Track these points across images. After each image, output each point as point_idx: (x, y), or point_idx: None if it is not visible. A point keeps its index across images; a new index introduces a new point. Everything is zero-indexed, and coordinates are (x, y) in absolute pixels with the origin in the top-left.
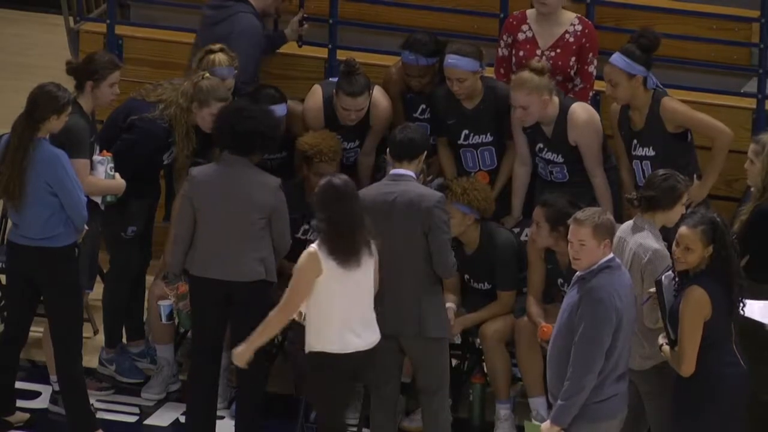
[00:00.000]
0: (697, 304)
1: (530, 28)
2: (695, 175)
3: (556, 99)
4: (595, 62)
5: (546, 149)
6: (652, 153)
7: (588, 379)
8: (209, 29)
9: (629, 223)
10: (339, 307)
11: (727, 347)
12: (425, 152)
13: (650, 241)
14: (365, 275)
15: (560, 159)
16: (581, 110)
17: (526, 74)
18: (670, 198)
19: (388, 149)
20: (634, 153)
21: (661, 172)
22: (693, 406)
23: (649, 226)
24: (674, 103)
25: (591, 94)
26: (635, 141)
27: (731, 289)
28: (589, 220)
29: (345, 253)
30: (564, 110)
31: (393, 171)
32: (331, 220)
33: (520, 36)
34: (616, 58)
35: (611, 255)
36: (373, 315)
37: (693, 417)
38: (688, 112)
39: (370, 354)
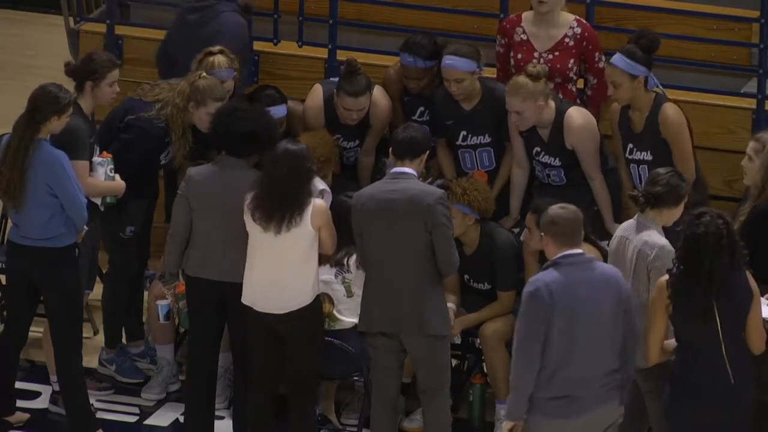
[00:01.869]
0: None
1: (524, 31)
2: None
3: (552, 103)
4: (604, 58)
5: (543, 153)
6: (649, 157)
7: (521, 372)
8: (194, 32)
9: (631, 222)
10: (257, 266)
11: None
12: (427, 152)
13: (656, 237)
14: (288, 243)
15: (557, 162)
16: (577, 115)
17: (521, 80)
18: (675, 195)
19: (390, 149)
20: (630, 157)
21: (664, 169)
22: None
23: (653, 224)
24: (673, 112)
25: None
26: (631, 145)
27: None
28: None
29: (265, 215)
30: (560, 114)
31: (394, 169)
32: (262, 181)
33: (516, 39)
34: (618, 60)
35: (573, 251)
36: (299, 285)
37: None
38: (679, 129)
39: (284, 318)
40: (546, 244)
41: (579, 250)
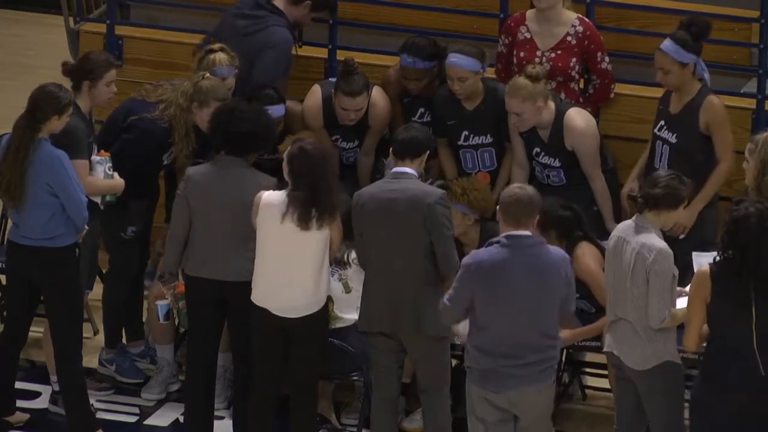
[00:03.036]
0: None
1: (528, 30)
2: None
3: (551, 104)
4: (607, 59)
5: (543, 154)
6: (674, 140)
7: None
8: (239, 39)
9: (629, 223)
10: (271, 267)
11: None
12: (428, 152)
13: (655, 240)
14: (305, 243)
15: (557, 163)
16: (577, 115)
17: (521, 81)
18: (674, 197)
19: (390, 149)
20: (659, 133)
21: (665, 172)
22: None
23: (652, 226)
24: (719, 102)
25: (612, 86)
26: (663, 122)
27: None
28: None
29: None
30: (560, 115)
31: (395, 169)
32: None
33: (519, 37)
34: (669, 46)
35: (519, 232)
36: (315, 287)
37: None
38: (724, 119)
39: (298, 321)
40: (498, 219)
41: (525, 232)
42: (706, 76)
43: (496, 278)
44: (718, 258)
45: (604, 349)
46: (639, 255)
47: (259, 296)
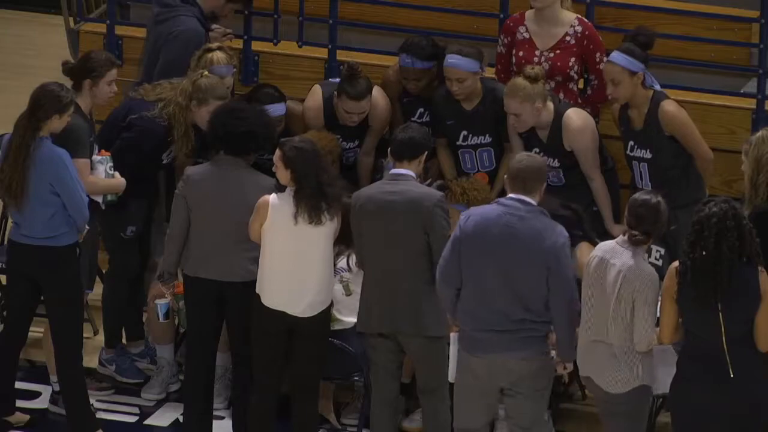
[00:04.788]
0: None
1: (527, 30)
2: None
3: (550, 105)
4: (606, 59)
5: (542, 154)
6: (649, 155)
7: (439, 286)
8: (154, 26)
9: (611, 244)
10: (278, 266)
11: None
12: (426, 152)
13: (641, 263)
14: (313, 240)
15: (556, 164)
16: (576, 116)
17: (519, 82)
18: (663, 228)
19: (389, 149)
20: (631, 154)
21: (652, 201)
22: None
23: (638, 248)
24: (673, 107)
25: None
26: (632, 142)
27: None
28: None
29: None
30: (559, 116)
31: (393, 171)
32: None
33: (518, 37)
34: (617, 57)
35: (520, 197)
36: (321, 286)
37: None
38: (684, 123)
39: (304, 321)
40: (506, 186)
41: (527, 198)
42: (657, 87)
43: (485, 238)
44: (684, 258)
45: (581, 374)
46: (626, 279)
47: (272, 298)
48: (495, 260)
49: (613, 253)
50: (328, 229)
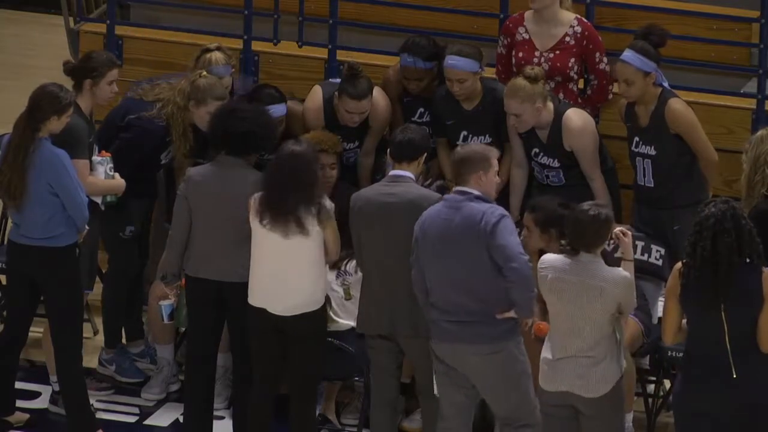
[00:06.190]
0: None
1: (527, 30)
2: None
3: (550, 105)
4: (605, 59)
5: (541, 154)
6: (653, 152)
7: (413, 282)
8: None
9: (562, 259)
10: (265, 267)
11: None
12: (425, 154)
13: (617, 271)
14: (296, 244)
15: (556, 164)
16: (575, 116)
17: (519, 82)
18: (605, 237)
19: (389, 150)
20: (636, 150)
21: (589, 212)
22: None
23: (594, 258)
24: (680, 106)
25: (611, 87)
26: (638, 138)
27: None
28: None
29: (272, 219)
30: (558, 116)
31: (392, 172)
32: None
33: (518, 37)
34: (631, 57)
35: (461, 188)
36: (308, 287)
37: None
38: (690, 122)
39: (292, 320)
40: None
41: (465, 188)
42: (666, 85)
43: (430, 232)
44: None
45: (559, 389)
46: (603, 290)
47: (253, 294)
48: (441, 256)
49: (570, 269)
50: (315, 233)
